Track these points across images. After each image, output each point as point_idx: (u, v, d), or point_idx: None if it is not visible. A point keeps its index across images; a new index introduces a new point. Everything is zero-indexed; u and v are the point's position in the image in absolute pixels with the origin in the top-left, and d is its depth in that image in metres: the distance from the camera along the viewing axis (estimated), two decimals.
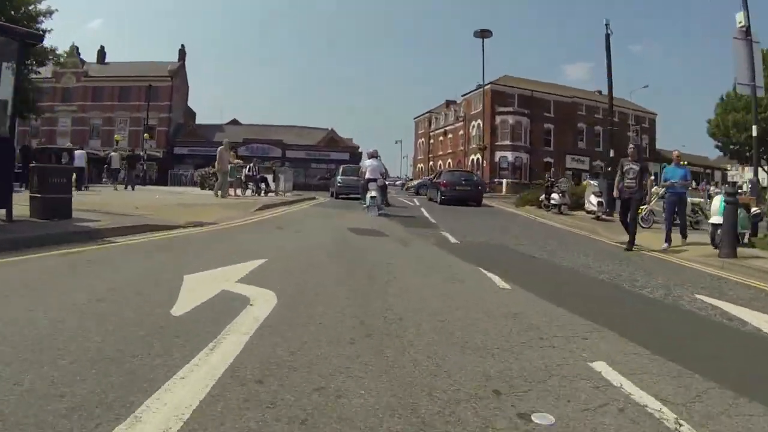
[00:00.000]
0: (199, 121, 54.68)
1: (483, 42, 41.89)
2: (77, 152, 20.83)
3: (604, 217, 13.81)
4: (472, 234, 9.99)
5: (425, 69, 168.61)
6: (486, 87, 51.96)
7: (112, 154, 24.60)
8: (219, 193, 16.24)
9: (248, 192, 19.27)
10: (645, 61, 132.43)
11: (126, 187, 21.68)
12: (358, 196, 17.38)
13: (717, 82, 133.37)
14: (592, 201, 14.46)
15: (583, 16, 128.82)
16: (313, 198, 20.95)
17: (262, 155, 43.92)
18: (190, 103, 56.23)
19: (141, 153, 29.66)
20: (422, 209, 17.30)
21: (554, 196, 16.03)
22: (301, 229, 9.29)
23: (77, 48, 50.62)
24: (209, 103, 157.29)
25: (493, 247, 8.44)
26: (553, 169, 24.31)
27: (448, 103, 66.08)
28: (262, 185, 19.76)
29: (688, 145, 65.73)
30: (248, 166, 20.07)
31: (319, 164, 46.00)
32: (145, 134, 32.22)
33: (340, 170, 23.28)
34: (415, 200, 23.55)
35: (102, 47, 52.86)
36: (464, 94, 59.99)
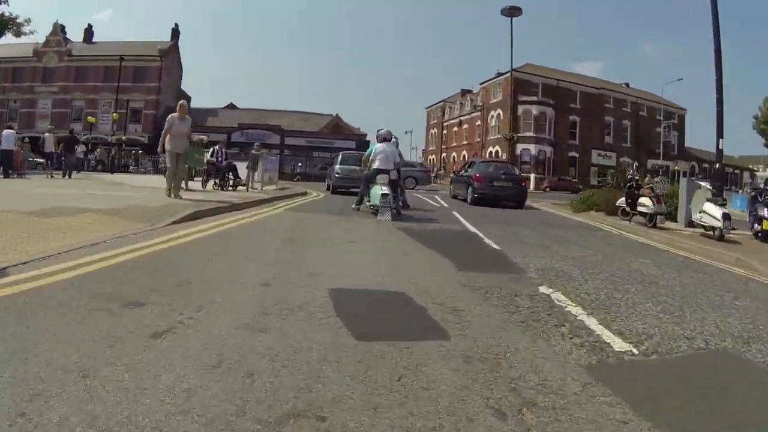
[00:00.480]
0: (194, 105, 50.25)
1: (511, 21, 37.02)
2: (5, 132, 17.04)
3: (729, 236, 9.09)
4: (617, 301, 4.12)
5: (437, 58, 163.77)
6: (508, 74, 47.44)
7: (46, 135, 20.30)
8: (171, 190, 10.12)
9: (210, 185, 14.43)
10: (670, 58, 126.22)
11: (64, 175, 17.81)
12: (356, 187, 13.78)
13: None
14: (713, 213, 9.40)
15: (592, 14, 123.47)
16: (303, 194, 16.28)
17: (257, 141, 39.72)
18: (184, 87, 51.81)
19: (79, 135, 24.93)
20: (459, 216, 11.38)
21: (645, 201, 10.95)
22: (193, 318, 2.97)
23: (62, 26, 46.43)
24: (208, 87, 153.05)
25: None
26: (636, 163, 18.77)
27: (464, 92, 61.39)
28: (229, 175, 14.59)
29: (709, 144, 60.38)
30: (212, 149, 15.13)
31: (322, 153, 41.00)
32: (114, 114, 27.52)
33: (339, 158, 18.88)
34: (436, 197, 18.44)
35: (90, 25, 48.56)
36: (482, 82, 55.21)
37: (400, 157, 11.71)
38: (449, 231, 8.76)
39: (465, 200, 16.52)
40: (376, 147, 10.88)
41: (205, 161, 14.47)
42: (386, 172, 10.36)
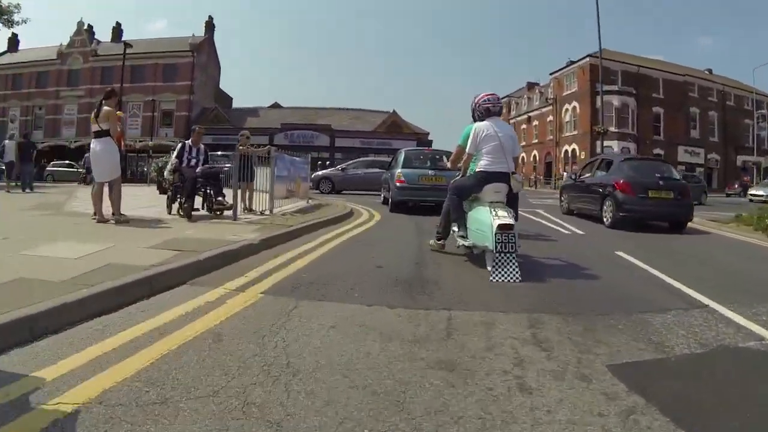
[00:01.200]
0: (235, 105, 45.68)
1: None
2: (7, 143, 15.97)
3: None
4: None
5: (494, 54, 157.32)
6: (583, 61, 41.01)
7: (6, 142, 16.59)
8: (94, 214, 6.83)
9: (175, 208, 8.06)
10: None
11: (24, 188, 14.63)
12: (433, 202, 10.45)
13: None
14: None
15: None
16: (346, 217, 9.61)
17: (305, 144, 34.39)
18: (224, 86, 47.31)
19: (35, 141, 20.85)
20: (640, 263, 5.66)
21: None
22: None
23: (90, 26, 42.61)
24: (252, 86, 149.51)
25: None
26: None
27: (530, 86, 55.21)
28: (209, 191, 8.01)
29: None
30: (179, 145, 8.49)
31: (379, 154, 35.27)
32: (118, 112, 22.45)
33: (401, 158, 12.48)
34: (542, 213, 12.29)
35: (118, 23, 44.52)
36: (552, 73, 48.60)
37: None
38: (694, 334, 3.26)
39: (597, 219, 10.62)
40: (478, 128, 5.46)
41: (169, 168, 8.60)
42: (503, 177, 5.31)
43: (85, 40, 41.19)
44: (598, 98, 41.35)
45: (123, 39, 43.69)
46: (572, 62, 45.17)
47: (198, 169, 7.99)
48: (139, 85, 38.00)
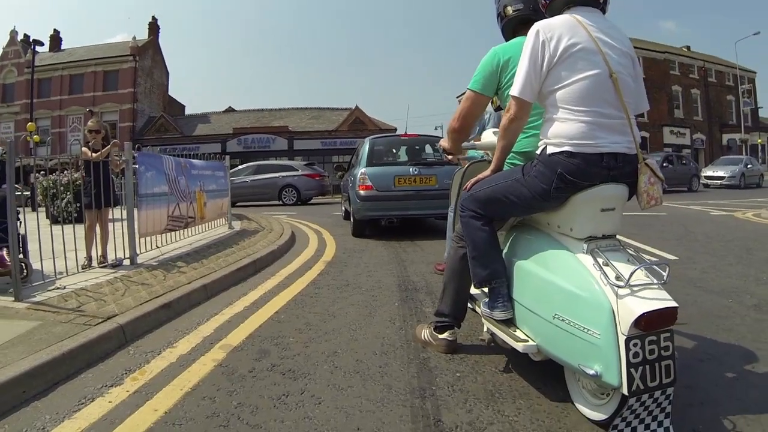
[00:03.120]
0: (187, 112, 42.50)
1: None
2: None
3: None
4: None
5: (463, 46, 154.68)
6: None
7: None
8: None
9: None
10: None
11: None
12: (417, 215, 7.95)
13: None
14: None
15: None
16: (278, 252, 6.41)
17: (261, 150, 31.58)
18: (175, 93, 44.18)
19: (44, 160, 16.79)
20: None
21: None
22: None
23: (26, 35, 39.13)
24: (207, 92, 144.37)
25: None
26: None
27: None
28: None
29: None
30: None
31: (342, 155, 32.60)
32: (29, 125, 19.64)
33: (365, 151, 8.37)
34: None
35: (56, 31, 40.98)
36: None
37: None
38: None
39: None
40: (547, 28, 2.09)
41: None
42: (623, 168, 2.03)
43: (19, 51, 37.75)
44: None
45: (62, 48, 40.61)
46: None
47: None
48: (77, 96, 34.79)
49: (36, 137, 25.76)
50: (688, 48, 50.85)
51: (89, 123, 5.72)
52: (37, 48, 39.32)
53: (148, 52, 37.85)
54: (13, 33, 38.76)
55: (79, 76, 35.43)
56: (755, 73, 50.44)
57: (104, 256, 5.51)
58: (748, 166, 23.68)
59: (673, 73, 44.92)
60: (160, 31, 40.04)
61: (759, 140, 44.70)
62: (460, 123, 2.72)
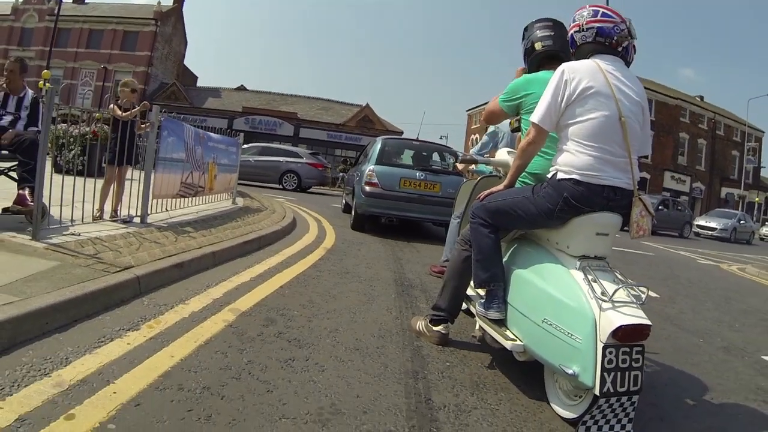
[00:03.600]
0: (199, 84, 42.54)
1: None
2: None
3: None
4: None
5: (475, 61, 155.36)
6: None
7: None
8: None
9: None
10: None
11: None
12: (417, 219, 8.18)
13: None
14: None
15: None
16: (280, 233, 6.53)
17: (267, 132, 31.73)
18: (191, 63, 44.22)
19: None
20: None
21: None
22: None
23: None
24: (223, 67, 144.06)
25: None
26: None
27: None
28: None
29: None
30: None
31: (347, 150, 32.86)
32: (45, 72, 19.76)
33: (376, 149, 8.57)
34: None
35: None
36: None
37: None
38: None
39: None
40: (572, 70, 2.39)
41: None
42: (620, 200, 2.34)
43: None
44: None
45: (86, 1, 40.60)
46: None
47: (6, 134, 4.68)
48: (93, 51, 34.85)
49: (47, 85, 25.82)
50: (701, 98, 51.46)
51: (126, 80, 5.93)
52: None
53: (170, 19, 37.95)
54: None
55: (98, 32, 35.46)
56: (763, 132, 51.05)
57: (116, 211, 5.69)
58: (741, 221, 24.19)
59: (683, 120, 45.43)
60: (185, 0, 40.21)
61: (756, 198, 45.30)
62: (485, 116, 3.33)
